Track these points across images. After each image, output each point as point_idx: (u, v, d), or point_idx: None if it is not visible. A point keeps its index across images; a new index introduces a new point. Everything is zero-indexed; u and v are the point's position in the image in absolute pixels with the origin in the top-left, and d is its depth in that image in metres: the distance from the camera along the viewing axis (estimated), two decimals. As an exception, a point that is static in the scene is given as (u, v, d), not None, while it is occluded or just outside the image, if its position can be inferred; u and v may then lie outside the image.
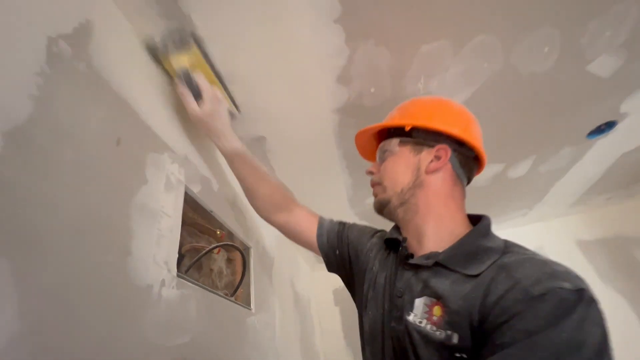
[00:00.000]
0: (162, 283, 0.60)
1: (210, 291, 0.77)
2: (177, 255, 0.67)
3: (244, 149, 0.83)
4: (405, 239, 0.64)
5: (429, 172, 0.63)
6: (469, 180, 0.68)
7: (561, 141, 1.25)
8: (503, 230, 2.01)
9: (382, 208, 0.69)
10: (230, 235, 1.01)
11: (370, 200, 0.74)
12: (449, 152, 0.62)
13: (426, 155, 0.64)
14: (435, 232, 0.61)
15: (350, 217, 1.63)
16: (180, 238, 0.70)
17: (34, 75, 0.43)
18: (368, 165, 0.78)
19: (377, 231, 0.80)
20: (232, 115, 0.87)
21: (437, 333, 0.48)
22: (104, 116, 0.55)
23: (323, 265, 0.86)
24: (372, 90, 0.93)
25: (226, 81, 0.85)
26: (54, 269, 0.40)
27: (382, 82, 0.91)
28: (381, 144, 0.72)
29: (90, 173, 0.49)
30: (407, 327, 0.53)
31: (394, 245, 0.68)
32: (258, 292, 1.06)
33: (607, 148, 1.33)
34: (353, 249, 0.78)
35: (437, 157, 0.63)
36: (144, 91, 0.69)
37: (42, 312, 0.37)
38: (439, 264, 0.55)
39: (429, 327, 0.50)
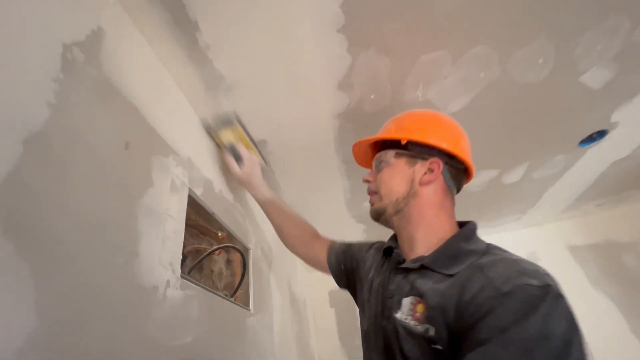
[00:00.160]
0: (167, 284, 0.61)
1: (211, 292, 0.79)
2: (180, 257, 0.68)
3: (274, 196, 1.03)
4: (397, 246, 0.70)
5: (422, 183, 0.67)
6: (458, 190, 0.72)
7: (554, 149, 1.29)
8: (497, 234, 2.04)
9: (378, 216, 0.73)
10: (230, 236, 1.02)
11: (367, 203, 0.77)
12: (441, 165, 0.67)
13: (420, 168, 0.68)
14: (425, 238, 0.65)
15: (347, 219, 1.66)
16: (183, 239, 0.72)
17: (50, 81, 0.44)
18: (366, 170, 0.82)
19: (374, 243, 0.86)
20: (262, 168, 1.07)
21: (418, 327, 0.53)
22: (114, 120, 0.57)
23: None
24: (372, 96, 0.95)
25: (231, 89, 0.88)
26: (67, 270, 0.41)
27: (382, 89, 0.93)
28: (377, 155, 0.75)
29: (101, 177, 0.51)
30: (395, 324, 0.57)
31: (389, 252, 0.73)
32: (257, 293, 1.07)
33: (598, 156, 1.37)
34: (355, 261, 0.85)
35: (430, 170, 0.67)
36: (149, 95, 0.71)
37: (57, 311, 0.39)
38: (424, 266, 0.60)
39: (412, 322, 0.54)
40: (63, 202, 0.43)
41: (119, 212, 0.53)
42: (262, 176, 1.01)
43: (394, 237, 0.75)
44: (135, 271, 0.54)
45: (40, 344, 0.35)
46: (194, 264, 0.83)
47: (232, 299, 0.92)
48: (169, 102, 0.79)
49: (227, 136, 0.94)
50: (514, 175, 1.44)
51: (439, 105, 1.00)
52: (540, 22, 0.79)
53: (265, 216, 1.06)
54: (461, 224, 0.67)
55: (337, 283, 0.92)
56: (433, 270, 0.58)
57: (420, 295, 0.56)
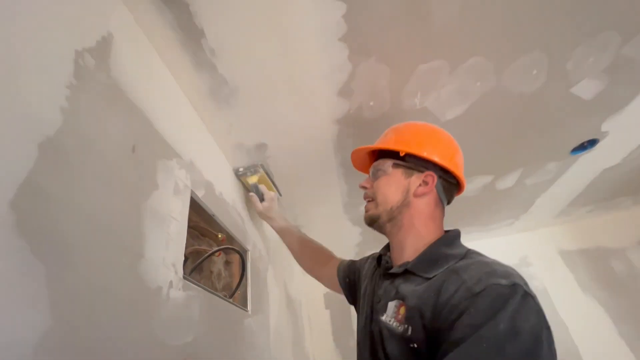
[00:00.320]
0: (170, 285, 0.63)
1: (211, 293, 0.80)
2: (183, 258, 0.69)
3: (290, 224, 1.18)
4: (387, 253, 0.73)
5: (416, 195, 0.70)
6: (449, 202, 0.75)
7: (547, 156, 1.33)
8: (490, 238, 2.08)
9: (372, 222, 0.76)
10: (230, 238, 1.03)
11: (363, 207, 0.79)
12: (436, 178, 0.70)
13: (415, 180, 0.71)
14: (413, 245, 0.68)
15: (344, 221, 1.68)
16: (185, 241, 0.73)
17: (63, 87, 0.46)
18: (363, 175, 0.84)
19: (373, 254, 0.88)
20: (277, 198, 1.26)
21: (399, 328, 0.56)
22: (121, 124, 0.58)
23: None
24: (372, 103, 0.97)
25: (234, 94, 0.89)
26: (78, 271, 0.43)
27: (381, 96, 0.95)
28: (375, 163, 0.78)
29: (109, 180, 0.52)
30: (380, 326, 0.60)
31: (380, 260, 0.76)
32: (254, 294, 1.09)
33: (589, 164, 1.41)
34: (357, 273, 0.90)
35: (425, 183, 0.70)
36: (155, 98, 0.72)
37: (68, 311, 0.40)
38: (408, 271, 0.63)
39: (395, 324, 0.57)
40: (75, 205, 0.44)
41: (126, 214, 0.55)
42: (278, 208, 1.20)
43: (387, 246, 0.78)
44: (141, 272, 0.55)
45: (54, 343, 0.37)
46: (196, 265, 0.84)
47: (231, 300, 0.93)
48: (172, 105, 0.80)
49: (253, 180, 1.17)
50: (508, 181, 1.48)
51: (436, 113, 1.03)
52: (534, 36, 0.82)
53: (263, 218, 1.18)
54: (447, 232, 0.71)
55: (347, 299, 0.94)
56: (415, 274, 0.61)
57: (402, 299, 0.59)
